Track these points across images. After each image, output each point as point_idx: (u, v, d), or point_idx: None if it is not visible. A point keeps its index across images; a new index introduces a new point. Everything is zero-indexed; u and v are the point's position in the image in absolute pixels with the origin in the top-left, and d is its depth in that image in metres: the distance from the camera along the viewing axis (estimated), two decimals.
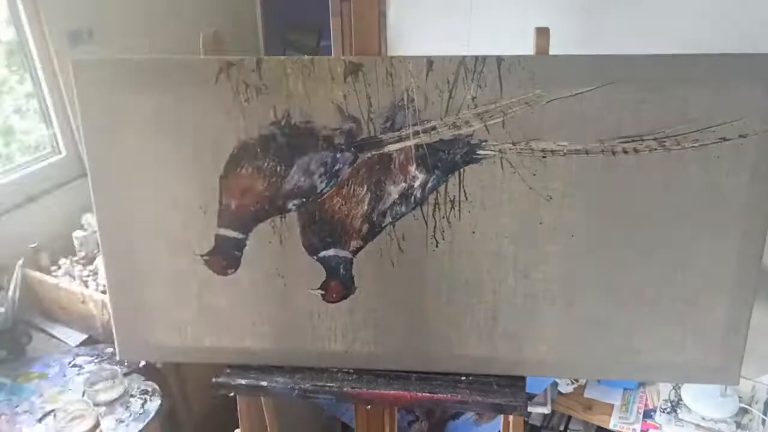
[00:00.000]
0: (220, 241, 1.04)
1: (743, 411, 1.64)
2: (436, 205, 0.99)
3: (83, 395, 1.42)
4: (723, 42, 1.46)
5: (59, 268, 1.67)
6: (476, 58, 0.91)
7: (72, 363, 1.55)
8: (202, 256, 1.05)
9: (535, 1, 1.65)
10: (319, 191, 1.00)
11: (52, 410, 1.36)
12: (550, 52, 0.95)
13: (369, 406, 1.12)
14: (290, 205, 1.01)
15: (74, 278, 1.65)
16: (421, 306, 1.05)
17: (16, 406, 1.40)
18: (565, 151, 0.94)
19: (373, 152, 0.97)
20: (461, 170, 0.97)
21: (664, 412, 1.69)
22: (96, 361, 1.56)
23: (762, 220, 0.95)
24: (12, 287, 1.56)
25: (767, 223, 0.95)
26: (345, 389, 1.08)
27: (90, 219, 1.76)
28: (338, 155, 0.98)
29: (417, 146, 0.96)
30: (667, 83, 0.90)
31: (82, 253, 1.72)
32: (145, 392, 1.48)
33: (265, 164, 0.99)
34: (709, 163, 0.93)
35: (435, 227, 1.00)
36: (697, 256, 0.98)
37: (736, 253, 0.97)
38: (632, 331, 1.03)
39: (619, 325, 1.03)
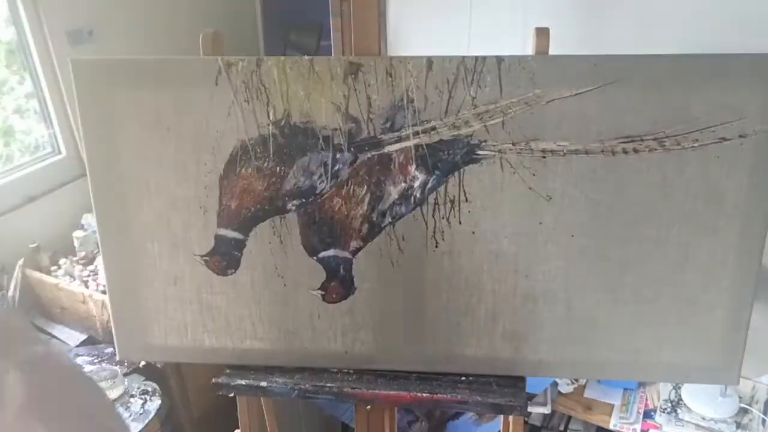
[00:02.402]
0: (220, 241, 1.04)
1: (743, 411, 1.64)
2: (436, 206, 0.99)
3: None
4: (724, 42, 1.46)
5: (59, 268, 1.67)
6: (476, 58, 0.91)
7: None
8: (202, 256, 1.05)
9: (535, 1, 1.65)
10: (318, 191, 1.00)
11: None
12: (550, 52, 0.94)
13: (369, 407, 1.11)
14: (290, 206, 1.01)
15: (74, 278, 1.65)
16: (421, 306, 1.05)
17: None
18: (565, 151, 0.94)
19: (373, 152, 0.97)
20: (461, 170, 0.97)
21: (664, 412, 1.69)
22: (96, 361, 1.55)
23: (762, 220, 0.95)
24: (12, 287, 1.56)
25: (767, 223, 0.95)
26: (345, 389, 1.08)
27: (90, 219, 1.76)
28: (338, 155, 0.98)
29: (417, 146, 0.96)
30: (667, 83, 0.90)
31: (82, 253, 1.72)
32: (145, 392, 1.48)
33: (265, 164, 0.99)
34: (709, 163, 0.92)
35: (435, 227, 1.00)
36: (696, 256, 0.98)
37: (736, 253, 0.97)
38: (632, 330, 1.03)
39: (619, 324, 1.03)
